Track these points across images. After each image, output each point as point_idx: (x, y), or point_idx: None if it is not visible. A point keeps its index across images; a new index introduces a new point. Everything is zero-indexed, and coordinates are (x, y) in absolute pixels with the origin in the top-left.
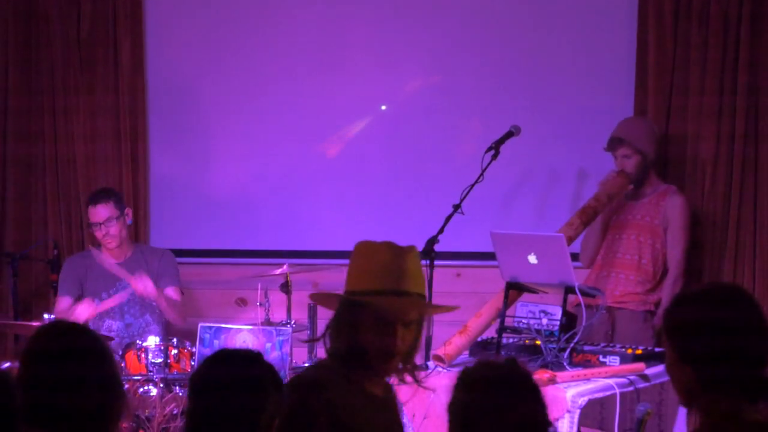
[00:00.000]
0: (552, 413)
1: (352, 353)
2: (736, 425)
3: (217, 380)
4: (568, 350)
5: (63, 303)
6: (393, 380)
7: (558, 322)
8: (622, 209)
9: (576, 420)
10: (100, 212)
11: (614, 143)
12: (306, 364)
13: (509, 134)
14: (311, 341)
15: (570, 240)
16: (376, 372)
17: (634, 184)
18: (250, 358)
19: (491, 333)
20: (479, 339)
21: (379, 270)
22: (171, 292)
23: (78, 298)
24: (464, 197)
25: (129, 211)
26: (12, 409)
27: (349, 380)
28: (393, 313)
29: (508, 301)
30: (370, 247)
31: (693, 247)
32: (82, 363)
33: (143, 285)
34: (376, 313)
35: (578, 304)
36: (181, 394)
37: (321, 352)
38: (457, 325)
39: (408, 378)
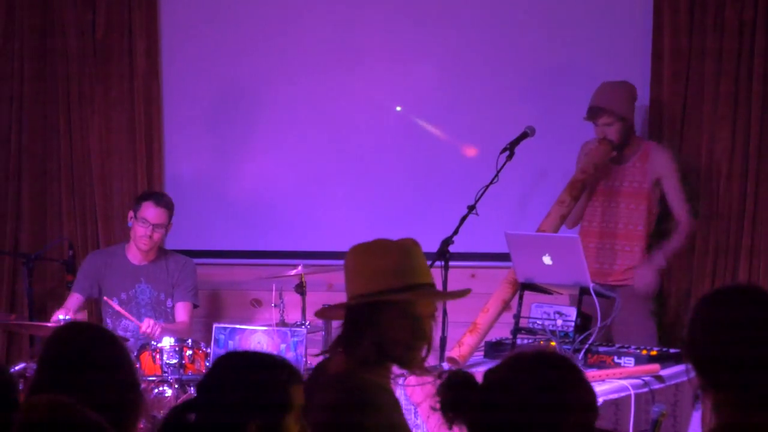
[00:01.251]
0: None
1: (381, 354)
2: (751, 426)
3: (227, 392)
4: (582, 351)
5: (73, 300)
6: (412, 374)
7: (573, 323)
8: (609, 174)
9: None
10: (158, 215)
11: (594, 112)
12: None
13: (524, 135)
14: (322, 353)
15: (563, 218)
16: (405, 367)
17: (616, 149)
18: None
19: (505, 333)
20: (492, 340)
21: (392, 268)
22: (180, 308)
23: (91, 297)
24: (479, 198)
25: (170, 227)
26: (9, 408)
27: (388, 390)
28: (425, 307)
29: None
30: (372, 248)
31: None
32: (100, 363)
33: (149, 328)
34: (404, 310)
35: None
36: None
37: None
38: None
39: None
